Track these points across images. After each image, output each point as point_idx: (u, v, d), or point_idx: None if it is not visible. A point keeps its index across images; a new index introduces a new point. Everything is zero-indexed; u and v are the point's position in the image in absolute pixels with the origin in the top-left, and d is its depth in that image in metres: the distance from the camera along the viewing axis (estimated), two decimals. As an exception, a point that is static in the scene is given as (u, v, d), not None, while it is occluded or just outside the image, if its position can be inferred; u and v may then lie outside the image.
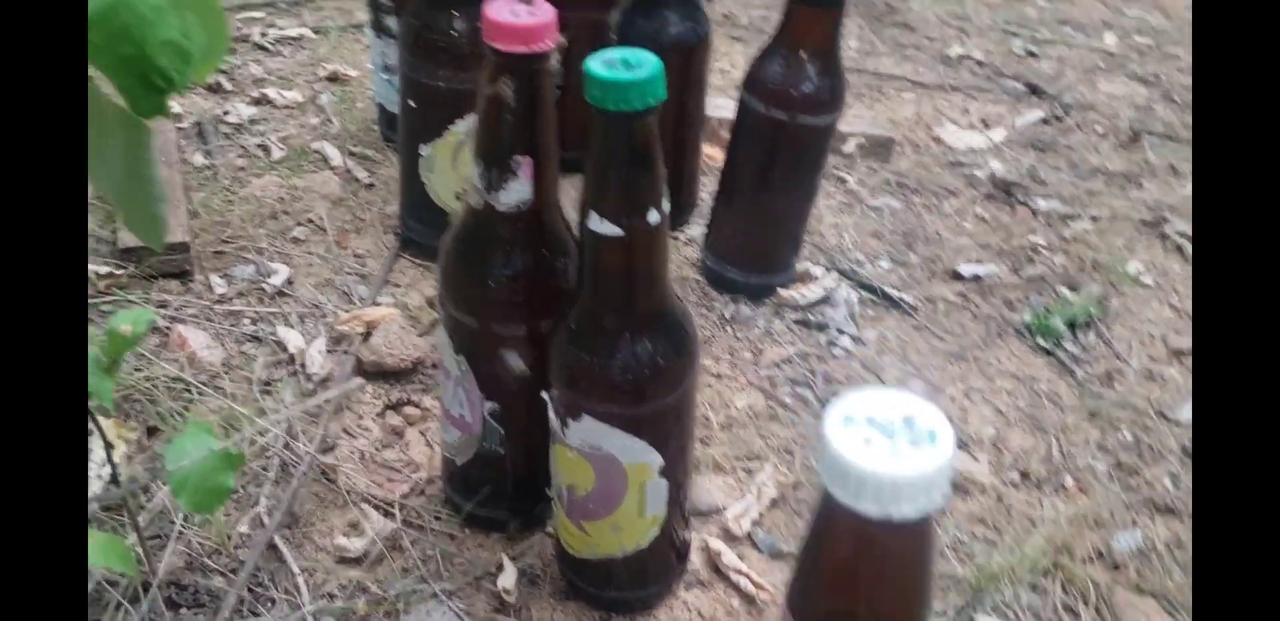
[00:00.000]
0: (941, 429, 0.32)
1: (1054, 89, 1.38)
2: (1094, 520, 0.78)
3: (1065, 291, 1.01)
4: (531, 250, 0.62)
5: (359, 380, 0.85)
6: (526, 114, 0.58)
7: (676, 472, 0.64)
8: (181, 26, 0.46)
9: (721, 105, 1.18)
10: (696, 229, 1.04)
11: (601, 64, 0.51)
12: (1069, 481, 0.82)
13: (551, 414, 0.62)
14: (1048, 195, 1.16)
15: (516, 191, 0.60)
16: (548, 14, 0.56)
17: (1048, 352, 0.94)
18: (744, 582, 0.71)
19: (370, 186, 1.09)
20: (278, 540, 0.72)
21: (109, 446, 0.69)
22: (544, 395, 0.63)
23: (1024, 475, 0.82)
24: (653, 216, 0.55)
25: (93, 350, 0.59)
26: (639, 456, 0.61)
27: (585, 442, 0.61)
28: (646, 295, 0.58)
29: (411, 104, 0.91)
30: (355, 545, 0.72)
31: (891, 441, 0.32)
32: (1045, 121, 1.31)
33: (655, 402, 0.60)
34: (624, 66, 0.51)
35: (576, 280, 0.60)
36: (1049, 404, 0.89)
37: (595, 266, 0.57)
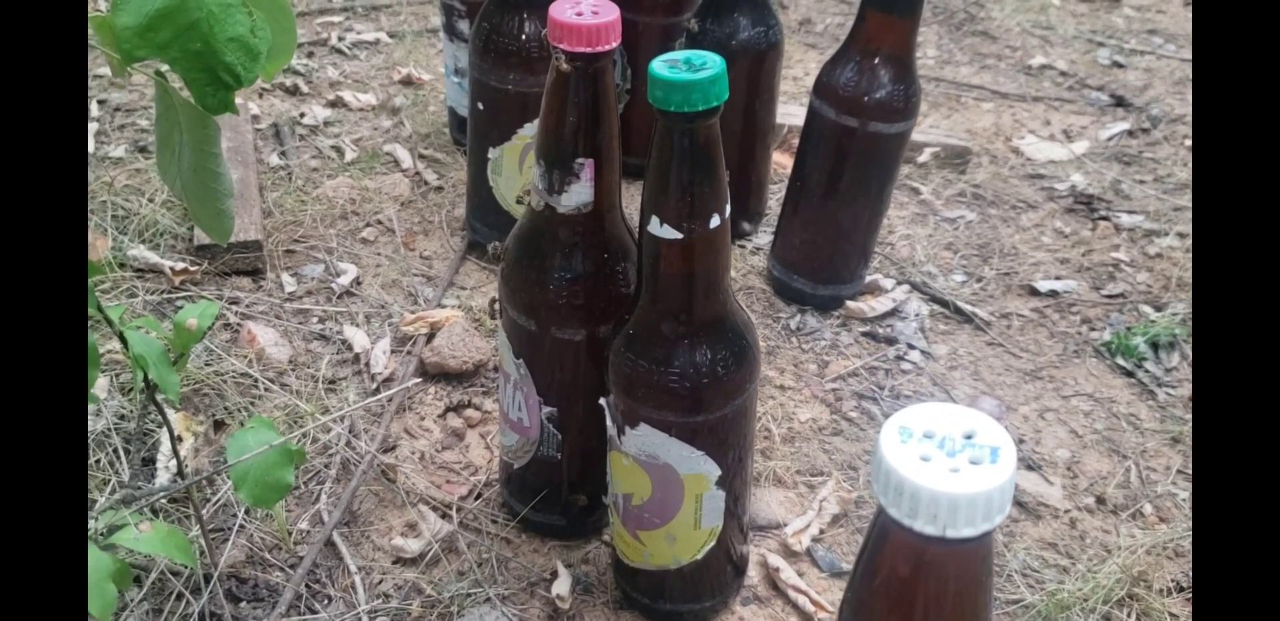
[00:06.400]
0: (1004, 446, 0.30)
1: (1141, 101, 1.33)
2: (1174, 550, 0.74)
3: (1148, 310, 0.97)
4: (592, 253, 0.61)
5: (416, 380, 0.85)
6: (590, 116, 0.57)
7: (734, 484, 0.62)
8: (249, 23, 0.47)
9: (794, 113, 1.17)
10: (764, 238, 1.03)
11: (664, 65, 0.50)
12: (1148, 508, 0.78)
13: (609, 420, 0.62)
14: (1132, 210, 1.12)
15: (578, 194, 0.59)
16: (611, 14, 0.55)
17: (1128, 373, 0.90)
18: (802, 600, 0.69)
19: (439, 189, 1.10)
20: (336, 538, 0.72)
21: (177, 439, 0.70)
22: (601, 401, 0.62)
23: (1099, 500, 0.78)
24: (714, 221, 0.54)
25: (159, 343, 0.60)
26: (696, 467, 0.60)
27: (642, 451, 0.60)
28: (705, 301, 0.57)
29: (480, 107, 0.92)
30: (412, 546, 0.72)
31: (951, 458, 0.30)
32: (1131, 134, 1.26)
33: (713, 412, 0.58)
34: (687, 67, 0.50)
35: (636, 285, 0.59)
36: (1128, 427, 0.85)
37: (654, 271, 0.56)
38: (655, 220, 0.54)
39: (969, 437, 0.31)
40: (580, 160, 0.58)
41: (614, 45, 0.56)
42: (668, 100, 0.50)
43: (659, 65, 0.51)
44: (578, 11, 0.55)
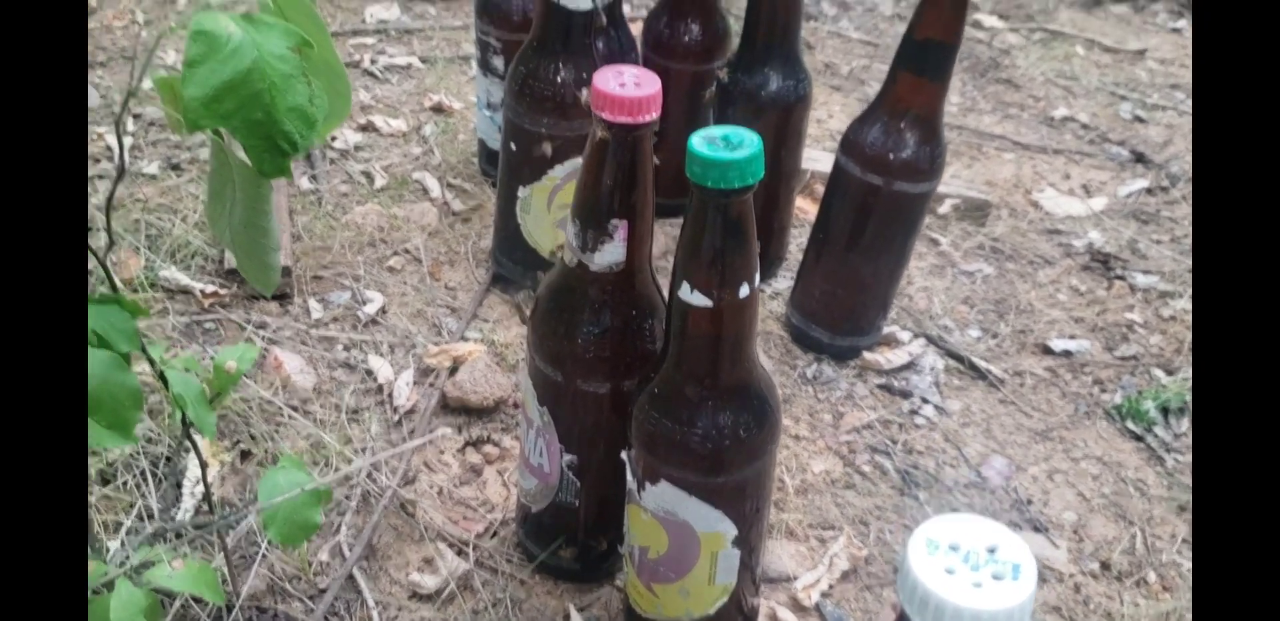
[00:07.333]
0: (1025, 562, 0.32)
1: (1161, 157, 1.34)
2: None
3: (1160, 374, 0.99)
4: (620, 310, 0.63)
5: (444, 430, 0.87)
6: (627, 180, 0.59)
7: (750, 541, 0.64)
8: (308, 93, 0.49)
9: (816, 158, 1.18)
10: (783, 283, 1.04)
11: (704, 141, 0.52)
12: (1152, 577, 0.79)
13: (629, 475, 0.63)
14: (1147, 270, 1.13)
15: (611, 253, 0.61)
16: (653, 86, 0.57)
17: (1137, 438, 0.91)
18: (806, 655, 0.70)
19: (466, 220, 1.12)
20: (355, 572, 0.74)
21: (204, 466, 0.72)
22: (623, 455, 0.63)
23: (1104, 566, 0.80)
24: (744, 290, 0.56)
25: (198, 383, 0.62)
26: (713, 525, 0.61)
27: (660, 507, 0.61)
28: (731, 366, 0.59)
29: (512, 147, 0.94)
30: (429, 582, 0.73)
31: (974, 572, 0.32)
32: (1149, 191, 1.28)
33: (733, 473, 0.60)
34: (725, 145, 0.52)
35: (663, 344, 0.61)
36: (1135, 492, 0.86)
37: (682, 334, 0.58)
38: (686, 286, 0.56)
39: (992, 552, 0.32)
40: (615, 221, 0.60)
41: (654, 116, 0.57)
42: (705, 176, 0.52)
43: (698, 141, 0.52)
44: (620, 81, 0.57)
